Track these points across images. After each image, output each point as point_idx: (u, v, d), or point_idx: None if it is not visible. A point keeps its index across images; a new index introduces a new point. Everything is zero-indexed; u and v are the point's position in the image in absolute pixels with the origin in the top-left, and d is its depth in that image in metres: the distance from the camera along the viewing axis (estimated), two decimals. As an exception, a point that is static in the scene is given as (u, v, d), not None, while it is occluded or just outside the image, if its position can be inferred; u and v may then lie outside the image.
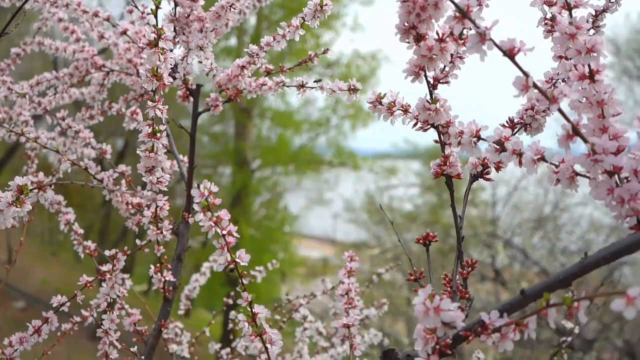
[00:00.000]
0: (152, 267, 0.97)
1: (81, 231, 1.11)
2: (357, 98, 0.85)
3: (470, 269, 0.63)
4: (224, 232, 0.62)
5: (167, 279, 0.97)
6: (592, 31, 0.72)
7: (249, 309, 0.65)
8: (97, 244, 1.07)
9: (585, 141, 0.51)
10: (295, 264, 10.51)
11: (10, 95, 1.14)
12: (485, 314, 0.52)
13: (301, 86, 0.96)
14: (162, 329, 0.99)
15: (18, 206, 0.67)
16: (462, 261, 0.64)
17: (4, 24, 0.87)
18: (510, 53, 0.51)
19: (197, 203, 0.61)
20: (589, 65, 0.54)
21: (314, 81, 0.95)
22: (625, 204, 0.50)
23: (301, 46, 10.47)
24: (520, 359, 6.50)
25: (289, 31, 0.90)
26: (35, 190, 0.66)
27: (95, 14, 1.09)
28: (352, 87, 0.85)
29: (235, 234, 0.63)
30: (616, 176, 0.53)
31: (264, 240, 10.50)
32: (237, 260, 0.63)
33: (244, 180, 10.54)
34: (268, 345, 0.65)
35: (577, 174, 0.55)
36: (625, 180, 0.53)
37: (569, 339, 1.11)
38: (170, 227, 0.91)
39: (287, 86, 0.97)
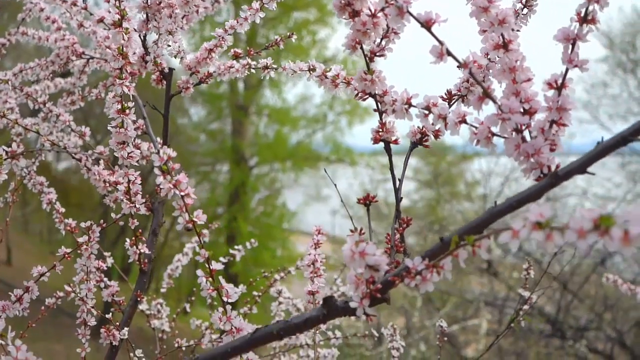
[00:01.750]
0: (128, 240, 1.03)
1: (62, 210, 1.17)
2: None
3: (406, 225, 0.69)
4: (183, 193, 0.68)
5: (142, 251, 1.03)
6: (525, 10, 0.78)
7: (207, 266, 0.71)
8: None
9: (495, 102, 0.57)
10: (294, 261, 10.55)
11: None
12: (410, 260, 0.58)
13: (265, 67, 1.02)
14: (139, 299, 1.05)
15: (-6, 175, 0.73)
16: (399, 219, 0.70)
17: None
18: (427, 24, 0.57)
19: (156, 167, 0.67)
20: (502, 35, 0.60)
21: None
22: (530, 158, 0.56)
23: (297, 43, 10.54)
24: (514, 350, 6.57)
25: (250, 14, 0.97)
26: (9, 160, 0.72)
27: (74, 3, 1.15)
28: (311, 67, 0.91)
29: (193, 196, 0.69)
30: (527, 133, 0.59)
31: (263, 237, 10.55)
32: (195, 219, 0.69)
33: (241, 177, 10.60)
34: (224, 299, 0.71)
35: (494, 134, 0.61)
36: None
37: (526, 307, 1.18)
38: (143, 200, 0.97)
39: (253, 68, 1.03)
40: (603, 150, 0.52)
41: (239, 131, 11.38)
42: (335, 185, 1.03)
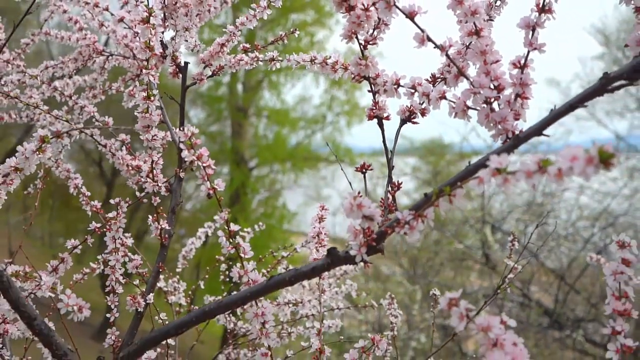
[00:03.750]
0: (150, 217, 1.14)
1: (88, 193, 1.28)
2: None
3: (397, 188, 0.81)
4: (205, 164, 0.80)
5: (163, 227, 1.15)
6: (498, 2, 0.89)
7: (227, 227, 0.83)
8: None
9: (468, 79, 0.69)
10: (295, 261, 10.63)
11: (24, 78, 1.32)
12: (400, 212, 0.70)
13: (272, 60, 1.13)
14: (160, 270, 1.17)
15: (40, 153, 0.85)
16: (391, 184, 0.81)
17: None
18: (411, 15, 0.68)
19: (182, 142, 0.79)
20: (474, 24, 0.71)
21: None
22: (498, 125, 0.68)
23: (296, 44, 10.68)
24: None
25: (259, 11, 1.08)
26: (54, 138, 0.84)
27: (96, 5, 1.27)
28: (313, 58, 1.03)
29: (213, 167, 0.80)
30: (497, 105, 0.70)
31: (263, 238, 10.65)
32: (216, 186, 0.81)
33: (241, 178, 10.70)
34: (242, 255, 0.83)
35: (468, 107, 0.72)
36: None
37: (511, 276, 1.29)
38: (165, 180, 1.09)
39: (261, 61, 1.15)
40: (555, 115, 0.63)
41: (238, 133, 11.50)
42: (346, 175, 1.13)
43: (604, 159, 0.45)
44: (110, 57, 1.38)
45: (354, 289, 1.54)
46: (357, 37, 0.78)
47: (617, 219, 7.60)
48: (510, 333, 0.59)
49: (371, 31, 0.80)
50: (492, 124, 0.69)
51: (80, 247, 1.11)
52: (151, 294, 1.10)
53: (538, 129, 0.65)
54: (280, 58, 1.13)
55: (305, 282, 1.57)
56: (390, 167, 0.82)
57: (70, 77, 1.53)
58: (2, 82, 1.44)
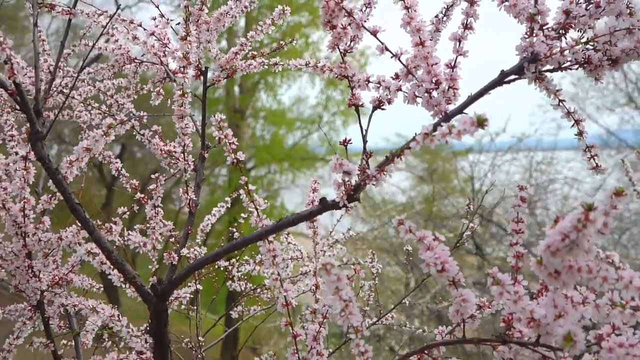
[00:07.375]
0: (181, 189, 1.45)
1: (127, 174, 1.58)
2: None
3: (369, 155, 1.11)
4: (230, 141, 1.10)
5: (191, 198, 1.45)
6: (444, 18, 1.20)
7: (246, 187, 1.13)
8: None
9: (414, 76, 1.00)
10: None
11: (71, 81, 1.62)
12: (369, 170, 1.00)
13: (276, 64, 1.44)
14: (189, 233, 1.47)
15: (106, 136, 1.15)
16: (365, 152, 1.12)
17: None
18: (373, 33, 0.99)
19: (213, 125, 1.09)
20: (419, 37, 1.02)
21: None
22: (435, 107, 0.99)
23: (291, 46, 10.99)
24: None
25: (265, 27, 1.39)
26: (119, 125, 1.14)
27: (131, 22, 1.57)
28: (307, 62, 1.33)
29: (236, 142, 1.11)
30: (435, 94, 1.01)
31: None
32: (238, 157, 1.11)
33: (240, 179, 10.99)
34: (258, 207, 1.13)
35: (416, 96, 1.03)
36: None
37: (468, 233, 1.59)
38: (193, 159, 1.39)
39: (267, 65, 1.45)
40: (470, 100, 0.94)
41: (236, 134, 11.69)
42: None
43: (480, 122, 0.76)
44: (141, 64, 1.68)
45: (343, 253, 1.84)
46: (338, 47, 1.08)
47: (602, 210, 7.90)
48: (441, 244, 0.89)
49: (349, 43, 1.10)
50: (431, 107, 0.99)
51: (125, 213, 1.41)
52: (184, 249, 1.40)
53: (459, 110, 0.95)
54: (282, 62, 1.43)
55: (303, 250, 1.88)
56: (365, 141, 1.12)
57: (106, 79, 1.83)
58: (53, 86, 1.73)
